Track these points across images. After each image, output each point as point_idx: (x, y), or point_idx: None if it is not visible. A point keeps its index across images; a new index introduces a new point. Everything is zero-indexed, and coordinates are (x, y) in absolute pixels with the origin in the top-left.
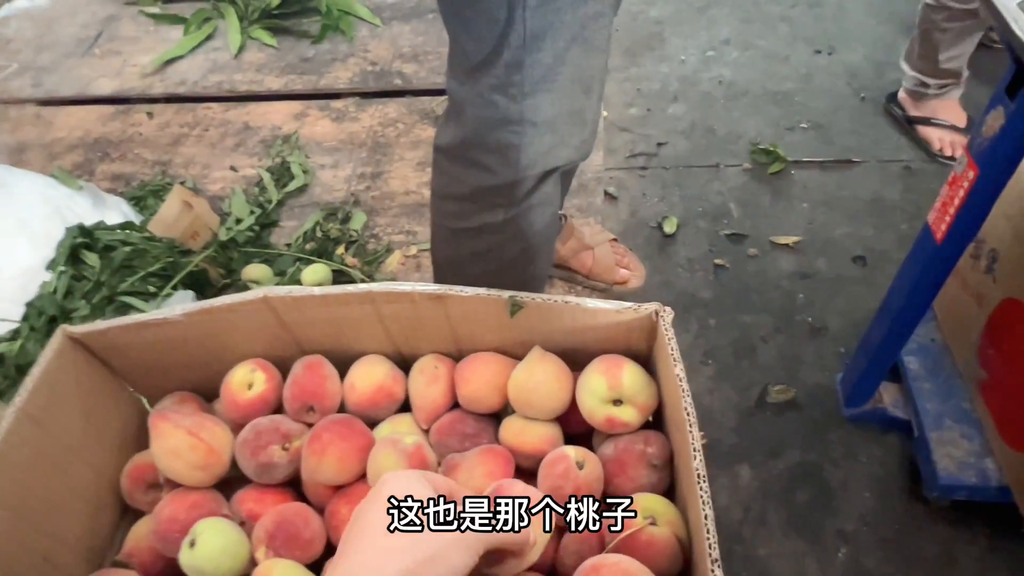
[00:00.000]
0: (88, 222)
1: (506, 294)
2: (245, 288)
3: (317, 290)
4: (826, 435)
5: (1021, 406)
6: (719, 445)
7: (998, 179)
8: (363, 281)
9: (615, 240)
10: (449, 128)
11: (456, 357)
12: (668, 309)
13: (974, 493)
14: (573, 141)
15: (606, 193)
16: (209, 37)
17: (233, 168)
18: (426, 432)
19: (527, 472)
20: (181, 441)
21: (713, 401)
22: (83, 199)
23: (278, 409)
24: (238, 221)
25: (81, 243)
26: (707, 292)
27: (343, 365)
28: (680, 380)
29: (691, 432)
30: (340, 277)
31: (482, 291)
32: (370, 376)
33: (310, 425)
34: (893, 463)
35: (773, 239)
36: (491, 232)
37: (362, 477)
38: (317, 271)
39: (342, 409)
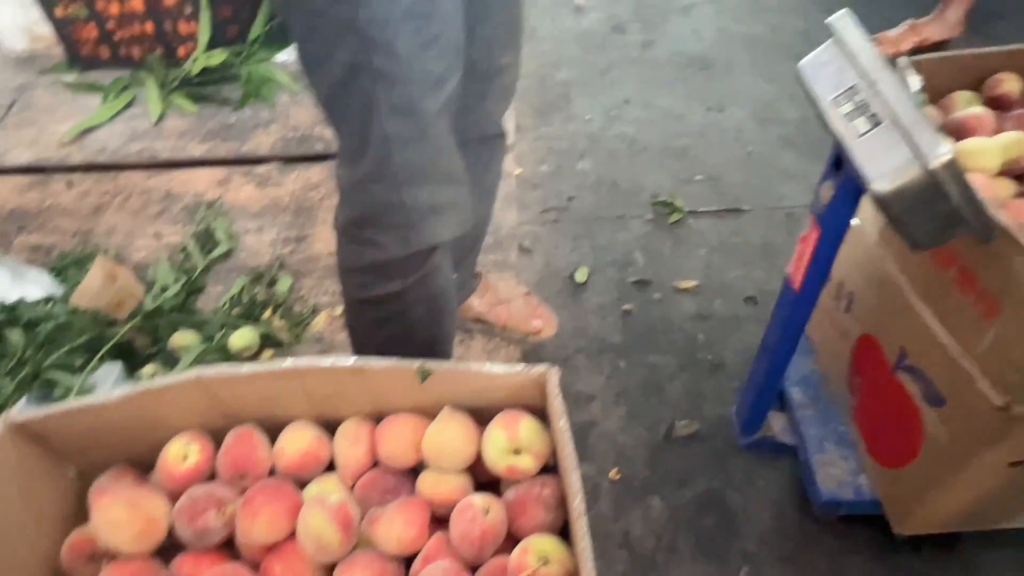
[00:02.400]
0: (8, 297)
1: (416, 363)
2: (172, 356)
3: (246, 369)
4: (727, 464)
5: (882, 428)
6: (633, 479)
7: (835, 236)
8: (290, 343)
9: (528, 293)
10: (342, 210)
11: (376, 419)
12: (555, 369)
13: (853, 507)
14: (453, 220)
15: (521, 247)
16: (128, 105)
17: (157, 236)
18: (351, 489)
19: (443, 519)
20: (120, 513)
21: (626, 439)
22: (2, 273)
23: (213, 477)
24: (163, 289)
25: (2, 320)
26: (617, 336)
27: (273, 432)
28: (563, 432)
29: (573, 476)
30: (267, 340)
31: (394, 362)
32: (297, 442)
33: (243, 490)
34: (786, 485)
35: (675, 284)
36: (392, 300)
37: (292, 535)
38: (244, 336)
39: (273, 473)
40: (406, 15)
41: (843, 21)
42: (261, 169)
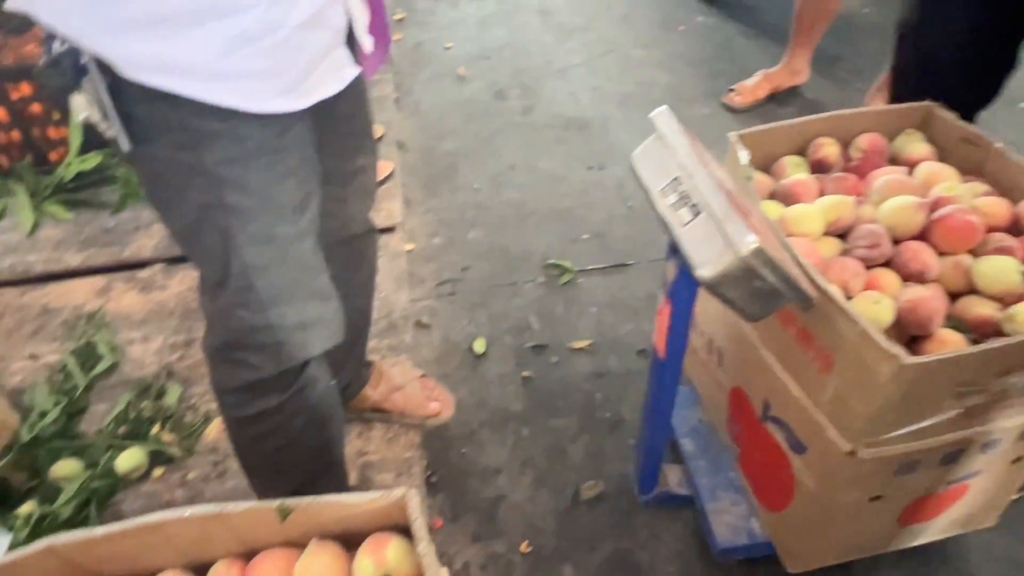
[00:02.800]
0: None
1: (275, 503)
2: (54, 488)
3: (100, 531)
4: (632, 522)
5: (762, 474)
6: (543, 549)
7: (685, 308)
8: (183, 457)
9: (424, 375)
10: (210, 336)
11: (248, 556)
12: (414, 491)
13: (749, 551)
14: (322, 334)
15: (419, 323)
16: None
17: (33, 357)
18: None
19: None
20: None
21: (534, 508)
22: None
23: None
24: (42, 415)
25: None
26: (518, 404)
27: None
28: (426, 555)
29: None
30: (158, 457)
31: (254, 504)
32: None
33: None
34: (689, 536)
35: (570, 345)
36: (271, 415)
37: None
38: (131, 456)
39: None
40: (257, 152)
41: (662, 118)
42: (144, 273)
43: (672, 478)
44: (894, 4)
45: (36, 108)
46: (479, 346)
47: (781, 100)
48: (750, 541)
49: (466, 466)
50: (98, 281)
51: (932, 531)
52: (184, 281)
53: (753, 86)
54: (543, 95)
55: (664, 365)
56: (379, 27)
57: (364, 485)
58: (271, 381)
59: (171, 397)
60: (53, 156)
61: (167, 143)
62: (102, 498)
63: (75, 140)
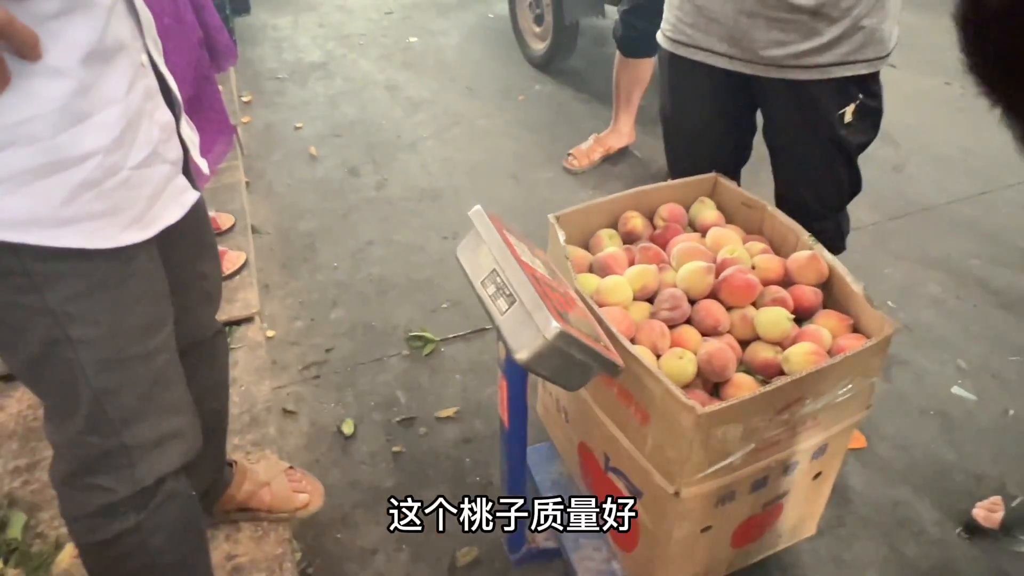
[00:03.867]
0: None
1: None
2: None
3: None
4: None
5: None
6: None
7: (520, 383)
8: None
9: (291, 468)
10: (58, 465)
11: None
12: None
13: None
14: (179, 448)
15: (284, 411)
16: None
17: None
18: None
19: None
20: None
21: None
22: None
23: None
24: None
25: None
26: (390, 480)
27: None
28: None
29: None
30: None
31: None
32: None
33: None
34: None
35: (437, 414)
36: (128, 536)
37: None
38: None
39: None
40: (103, 285)
41: (478, 216)
42: None
43: (539, 534)
44: None
45: None
46: (347, 427)
47: (614, 160)
48: None
49: (342, 551)
50: None
51: (763, 547)
52: (23, 399)
53: (587, 150)
54: (395, 169)
55: (510, 433)
56: (218, 123)
57: None
58: (127, 502)
59: (15, 528)
60: None
61: (7, 288)
62: None
63: None
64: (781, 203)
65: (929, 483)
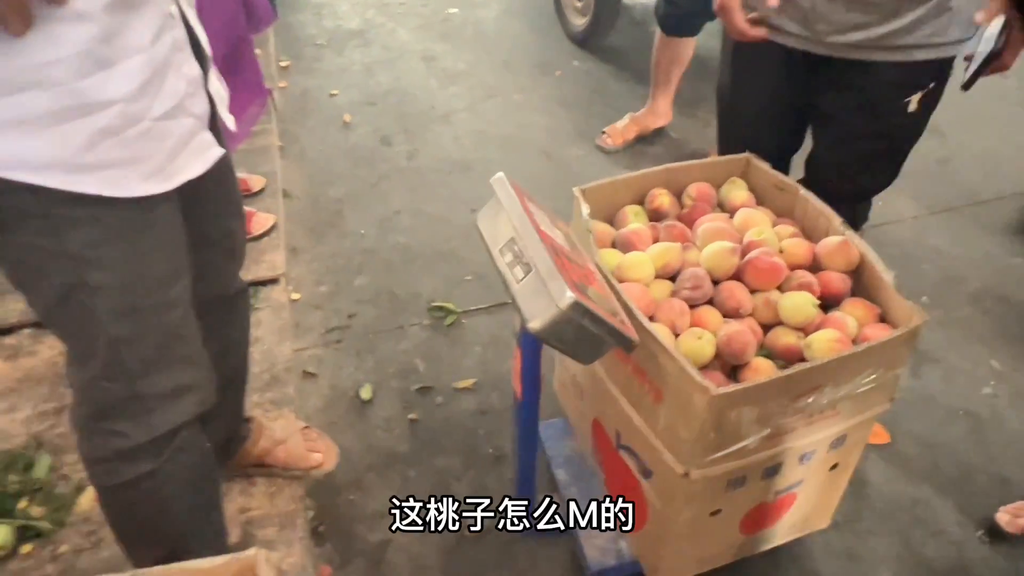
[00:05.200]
0: None
1: (129, 574)
2: None
3: None
4: (514, 551)
5: (626, 496)
6: None
7: (534, 354)
8: (53, 531)
9: (307, 427)
10: (78, 407)
11: None
12: (262, 552)
13: (618, 571)
14: (193, 400)
15: (305, 372)
16: None
17: None
18: None
19: None
20: None
21: (421, 548)
22: None
23: None
24: None
25: None
26: (405, 446)
27: None
28: None
29: None
30: (26, 533)
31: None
32: None
33: None
34: (567, 562)
35: (455, 385)
36: (144, 481)
37: None
38: None
39: None
40: (121, 233)
41: (499, 183)
42: (11, 339)
43: None
44: None
45: None
46: (365, 392)
47: (649, 140)
48: (618, 561)
49: (353, 512)
50: None
51: (774, 537)
52: (55, 346)
53: (622, 129)
54: (428, 140)
55: (523, 405)
56: (253, 85)
57: (247, 542)
58: (143, 448)
59: (40, 468)
60: None
61: (29, 230)
62: None
63: None
64: (809, 178)
65: (952, 484)
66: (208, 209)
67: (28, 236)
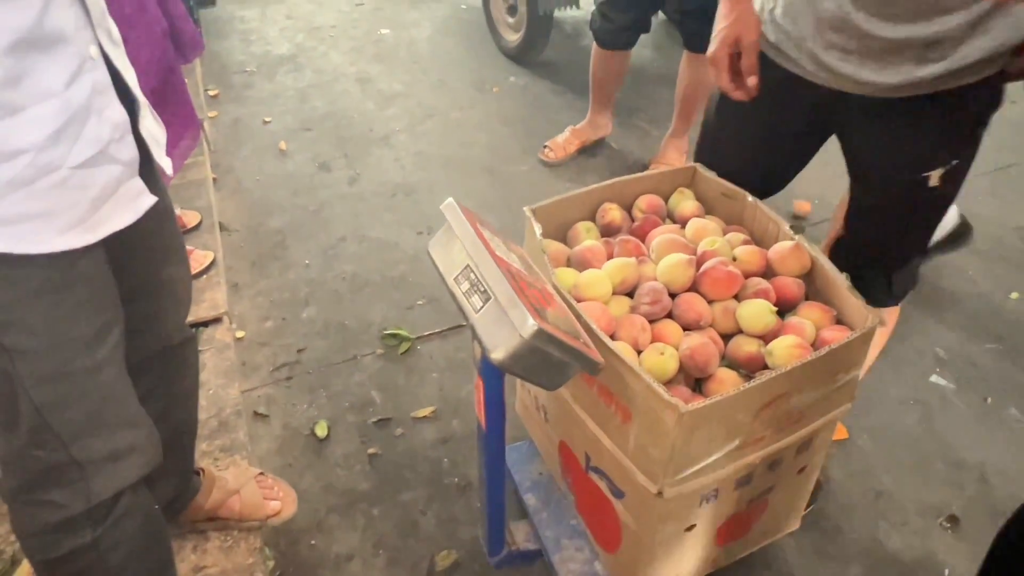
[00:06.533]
0: None
1: None
2: None
3: None
4: None
5: (595, 519)
6: None
7: (496, 384)
8: None
9: (261, 474)
10: (8, 478)
11: None
12: None
13: None
14: (137, 461)
15: (255, 413)
16: None
17: None
18: None
19: None
20: None
21: None
22: None
23: None
24: None
25: None
26: (366, 483)
27: None
28: None
29: None
30: None
31: None
32: None
33: None
34: None
35: (414, 414)
36: (84, 553)
37: None
38: None
39: None
40: (38, 292)
41: (450, 209)
42: None
43: (519, 535)
44: (677, 55)
45: None
46: (321, 429)
47: (590, 152)
48: None
49: (316, 558)
50: None
51: (748, 544)
52: None
53: (564, 142)
54: (368, 163)
55: (487, 435)
56: (184, 116)
57: None
58: (81, 518)
59: None
60: None
61: None
62: None
63: None
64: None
65: (910, 473)
66: (145, 257)
67: None
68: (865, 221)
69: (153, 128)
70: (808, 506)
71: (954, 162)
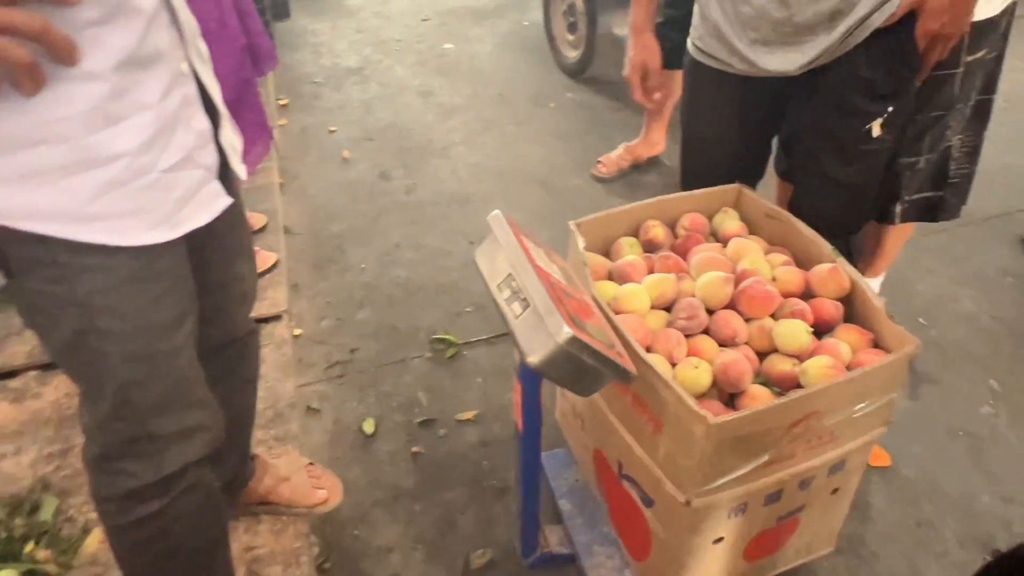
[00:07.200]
0: None
1: None
2: None
3: None
4: None
5: (626, 527)
6: None
7: (534, 388)
8: (60, 574)
9: (311, 464)
10: (89, 447)
11: None
12: None
13: None
14: (202, 440)
15: (308, 408)
16: None
17: None
18: None
19: None
20: None
21: None
22: None
23: None
24: None
25: None
26: (409, 480)
27: None
28: None
29: None
30: None
31: None
32: None
33: None
34: None
35: (457, 417)
36: (152, 521)
37: None
38: None
39: None
40: (128, 280)
41: (496, 220)
42: (16, 382)
43: (553, 538)
44: None
45: None
46: (369, 426)
47: (643, 169)
48: None
49: (359, 548)
50: None
51: (779, 563)
52: (60, 387)
53: (617, 158)
54: (426, 173)
55: (524, 437)
56: (257, 125)
57: None
58: (151, 488)
59: (46, 511)
60: None
61: (39, 277)
62: None
63: None
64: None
65: (954, 505)
66: (218, 255)
67: (39, 283)
68: (818, 195)
69: (232, 137)
70: None
71: (890, 109)
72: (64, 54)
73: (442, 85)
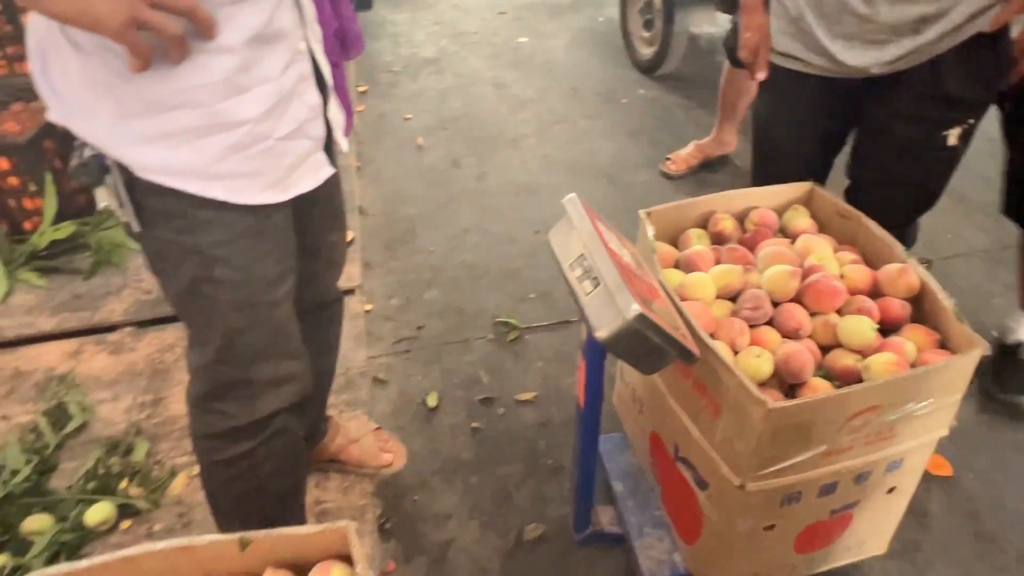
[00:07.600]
0: None
1: (236, 536)
2: (25, 543)
3: (83, 564)
4: (570, 560)
5: (678, 510)
6: None
7: (598, 365)
8: (149, 510)
9: (379, 429)
10: (193, 386)
11: None
12: (352, 524)
13: None
14: (293, 388)
15: (376, 379)
16: None
17: (5, 417)
18: None
19: None
20: None
21: (481, 550)
22: None
23: None
24: (14, 473)
25: None
26: (468, 453)
27: None
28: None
29: None
30: (125, 510)
31: (217, 537)
32: None
33: None
34: (620, 572)
35: (516, 397)
36: (242, 460)
37: None
38: (100, 511)
39: None
40: (243, 235)
41: (572, 203)
42: (114, 336)
43: (604, 518)
44: None
45: (13, 181)
46: (432, 400)
47: (713, 168)
48: (672, 574)
49: (418, 512)
50: (69, 344)
51: (829, 558)
52: (152, 343)
53: (687, 155)
54: (496, 163)
55: (585, 415)
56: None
57: None
58: (244, 429)
59: (139, 453)
60: (27, 225)
61: (169, 227)
62: (71, 550)
63: (49, 211)
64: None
65: (1017, 519)
66: (316, 222)
67: (168, 233)
68: (876, 189)
69: (337, 113)
70: None
71: (971, 121)
72: (205, 29)
73: (515, 78)
